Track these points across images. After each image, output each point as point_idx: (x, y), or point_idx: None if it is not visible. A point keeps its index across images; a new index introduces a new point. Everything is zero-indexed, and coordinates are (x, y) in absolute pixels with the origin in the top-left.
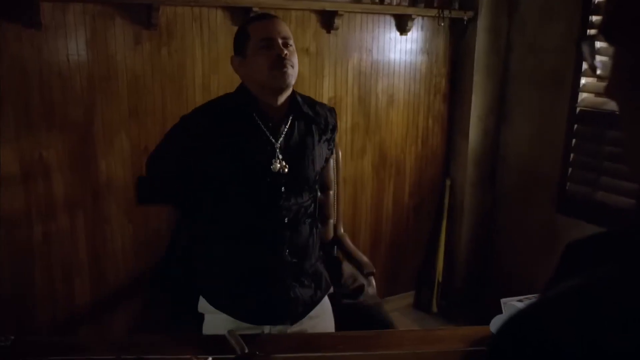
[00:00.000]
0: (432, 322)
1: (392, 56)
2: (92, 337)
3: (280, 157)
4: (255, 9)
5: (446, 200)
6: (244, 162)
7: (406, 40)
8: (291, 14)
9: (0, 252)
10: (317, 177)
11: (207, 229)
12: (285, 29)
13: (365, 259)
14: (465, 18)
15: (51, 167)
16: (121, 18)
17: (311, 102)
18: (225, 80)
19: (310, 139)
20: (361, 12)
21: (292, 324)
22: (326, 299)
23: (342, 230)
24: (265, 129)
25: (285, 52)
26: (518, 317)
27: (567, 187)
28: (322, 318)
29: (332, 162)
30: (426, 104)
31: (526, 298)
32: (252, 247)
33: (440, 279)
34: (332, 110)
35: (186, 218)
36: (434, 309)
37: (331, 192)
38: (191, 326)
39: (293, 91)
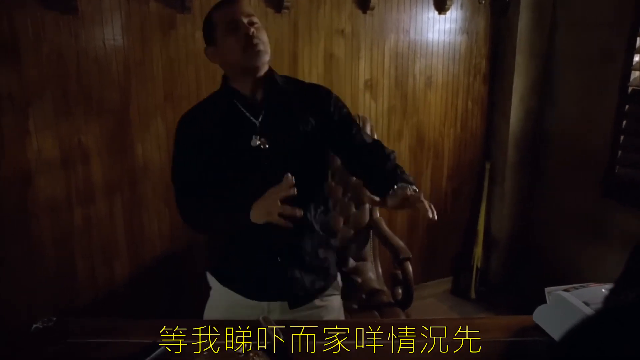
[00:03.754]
0: (470, 309)
1: (430, 36)
2: (130, 320)
3: (261, 131)
4: None
5: (485, 184)
6: (229, 144)
7: (445, 19)
8: None
9: (42, 236)
10: (307, 148)
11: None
12: (249, 9)
13: (401, 243)
14: None
15: (89, 152)
16: (155, 2)
17: (295, 81)
18: None
19: (289, 111)
20: None
21: (291, 307)
22: (338, 299)
23: (377, 215)
24: (245, 111)
25: (252, 30)
26: (583, 328)
27: (615, 171)
28: (330, 314)
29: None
30: (465, 85)
31: (572, 287)
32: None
33: (479, 265)
34: (319, 87)
35: None
36: (472, 295)
37: None
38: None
39: (270, 70)
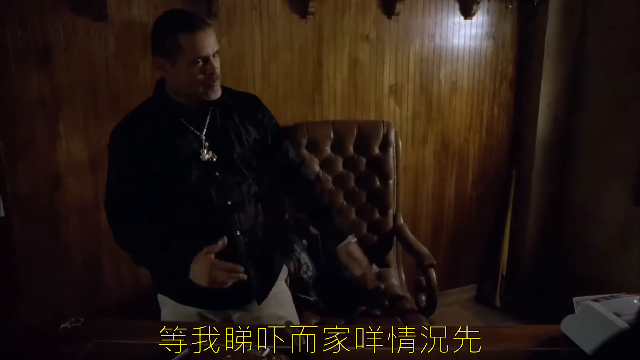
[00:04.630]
0: (495, 318)
1: (455, 41)
2: (156, 322)
3: (207, 145)
4: None
5: (512, 191)
6: (176, 159)
7: (471, 24)
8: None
9: (71, 237)
10: (251, 158)
11: (162, 225)
12: (214, 39)
13: (425, 250)
14: None
15: None
16: (183, 8)
17: (229, 91)
18: (284, 69)
19: (232, 123)
20: None
21: (259, 303)
22: (284, 285)
23: (401, 220)
24: (189, 125)
25: (217, 70)
26: (617, 342)
27: None
28: (282, 303)
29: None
30: (491, 91)
31: (602, 297)
32: (206, 234)
33: (504, 273)
34: (250, 96)
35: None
36: (497, 303)
37: (390, 181)
38: None
39: None
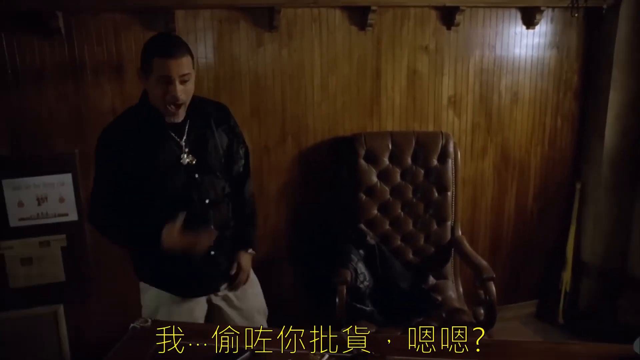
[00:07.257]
0: (557, 335)
1: (517, 52)
2: (216, 325)
3: (187, 150)
4: (373, 8)
5: (575, 205)
6: (159, 164)
7: (533, 34)
8: (410, 11)
9: None
10: (223, 161)
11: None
12: (183, 67)
13: (484, 262)
14: (605, 7)
15: None
16: (245, 22)
17: (204, 100)
18: (342, 79)
19: (208, 131)
20: (484, 7)
21: (230, 286)
22: (253, 274)
23: (459, 232)
24: (171, 132)
25: (180, 94)
26: None
27: None
28: (256, 293)
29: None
30: (554, 102)
31: None
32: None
33: (567, 289)
34: (223, 105)
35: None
36: (560, 320)
37: (449, 193)
38: None
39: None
